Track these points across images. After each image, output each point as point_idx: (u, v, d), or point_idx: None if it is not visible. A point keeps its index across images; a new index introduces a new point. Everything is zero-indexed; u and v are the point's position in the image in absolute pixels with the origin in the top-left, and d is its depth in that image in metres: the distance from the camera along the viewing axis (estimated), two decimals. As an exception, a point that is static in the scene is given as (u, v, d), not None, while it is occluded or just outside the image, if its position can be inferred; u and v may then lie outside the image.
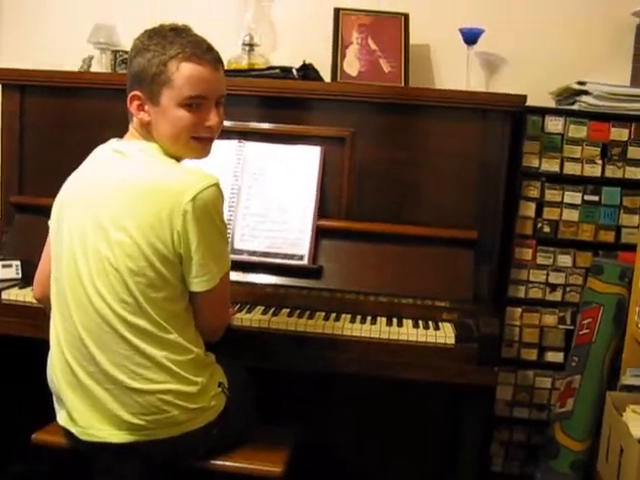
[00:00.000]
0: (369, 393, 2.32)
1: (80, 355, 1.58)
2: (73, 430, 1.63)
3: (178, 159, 1.66)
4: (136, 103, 1.61)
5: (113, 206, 1.55)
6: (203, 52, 1.61)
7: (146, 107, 1.61)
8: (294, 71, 2.26)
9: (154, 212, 1.52)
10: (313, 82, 2.33)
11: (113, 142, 1.67)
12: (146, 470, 1.68)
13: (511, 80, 2.61)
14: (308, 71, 2.30)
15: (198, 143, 1.66)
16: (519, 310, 2.42)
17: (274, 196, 2.24)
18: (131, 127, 1.67)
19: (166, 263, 1.54)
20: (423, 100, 2.25)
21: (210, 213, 1.55)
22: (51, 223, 1.69)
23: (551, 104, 2.56)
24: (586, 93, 2.35)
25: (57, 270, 1.63)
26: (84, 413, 1.59)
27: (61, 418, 1.67)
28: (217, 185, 1.57)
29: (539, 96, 2.46)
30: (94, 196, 1.58)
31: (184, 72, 1.58)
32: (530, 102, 2.24)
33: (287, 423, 2.00)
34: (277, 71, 2.25)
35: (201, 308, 1.65)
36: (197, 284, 1.59)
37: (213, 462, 1.74)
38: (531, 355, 2.44)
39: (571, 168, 2.36)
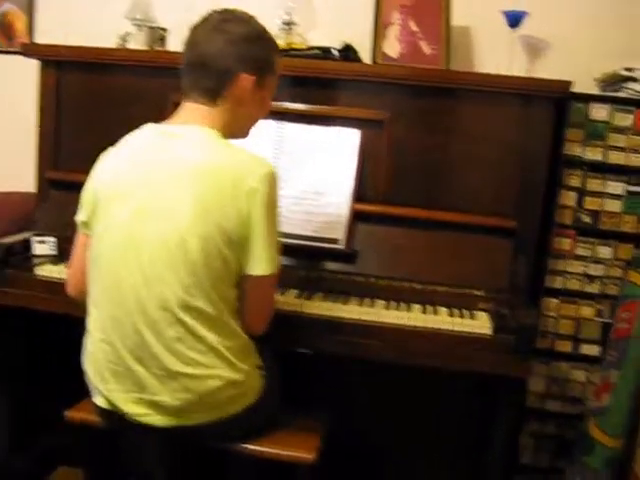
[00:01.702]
0: (399, 381, 2.29)
1: (131, 342, 1.56)
2: (111, 410, 1.63)
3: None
4: (248, 86, 1.64)
5: (179, 189, 1.52)
6: None
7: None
8: (334, 52, 2.22)
9: (222, 193, 1.52)
10: (353, 63, 2.28)
11: (156, 126, 1.64)
12: (177, 451, 1.69)
13: (555, 65, 2.53)
14: (348, 52, 2.25)
15: None
16: (555, 301, 2.38)
17: (311, 178, 2.21)
18: (185, 112, 1.64)
19: (230, 245, 1.54)
20: (464, 84, 2.20)
21: (274, 195, 1.59)
22: (87, 213, 1.65)
23: (595, 90, 2.49)
24: (633, 80, 2.29)
25: (104, 259, 1.59)
26: (127, 399, 1.59)
27: (99, 401, 1.66)
28: (275, 171, 1.62)
29: (583, 82, 2.40)
30: (153, 180, 1.55)
31: (280, 65, 1.74)
32: (574, 88, 2.17)
33: (315, 408, 2.00)
34: (317, 51, 2.21)
35: (251, 294, 1.64)
36: (257, 267, 1.58)
37: (245, 446, 1.73)
38: (565, 347, 2.39)
39: (615, 157, 2.30)
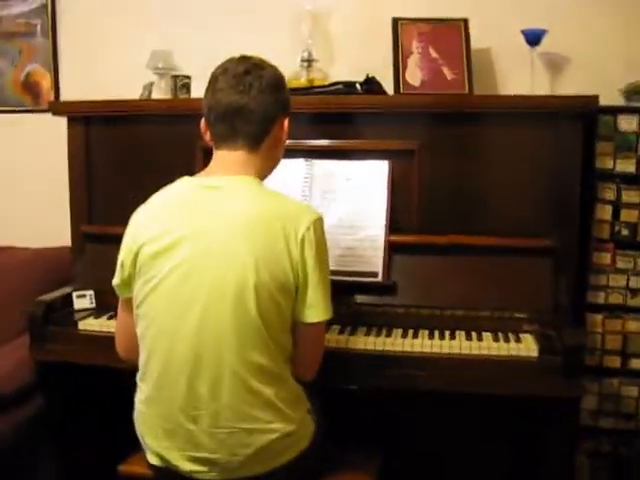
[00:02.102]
0: (442, 409, 2.26)
1: (183, 399, 1.54)
2: (165, 467, 1.62)
3: None
4: (286, 127, 1.70)
5: (229, 241, 1.52)
6: None
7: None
8: (358, 86, 2.22)
9: (272, 242, 1.52)
10: (377, 96, 2.28)
11: (192, 179, 1.64)
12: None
13: (577, 79, 2.54)
14: (372, 85, 2.26)
15: None
16: (600, 317, 2.34)
17: (344, 214, 2.21)
18: (222, 162, 1.64)
19: (284, 293, 1.54)
20: (490, 107, 2.20)
21: (324, 242, 1.60)
22: (128, 272, 1.62)
23: (621, 101, 2.47)
24: (659, 89, 2.27)
25: (154, 315, 1.57)
26: (181, 457, 1.57)
27: (153, 460, 1.65)
28: (322, 217, 1.63)
29: (608, 93, 2.37)
30: (202, 233, 1.54)
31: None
32: (599, 101, 2.16)
33: (365, 444, 1.98)
34: (340, 87, 2.22)
35: (304, 342, 1.64)
36: (311, 314, 1.59)
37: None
38: (615, 362, 2.35)
39: (647, 168, 2.28)
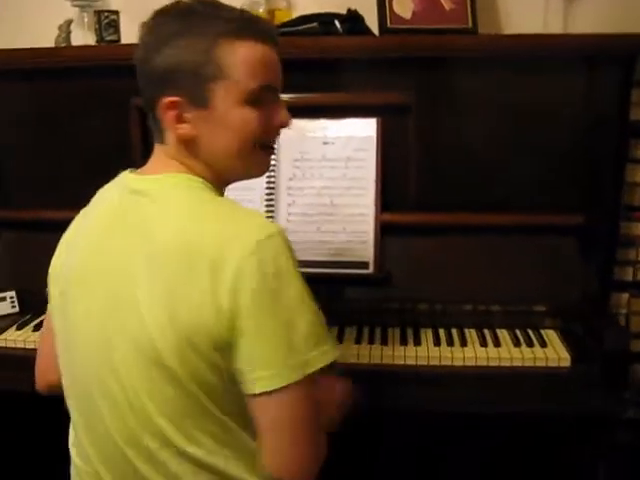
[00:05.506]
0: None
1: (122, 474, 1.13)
2: None
3: (227, 184, 1.21)
4: (172, 113, 1.10)
5: (144, 278, 1.05)
6: (261, 25, 1.15)
7: (187, 116, 1.10)
8: (337, 23, 1.72)
9: (194, 284, 1.01)
10: (364, 37, 1.79)
11: (129, 177, 1.17)
12: None
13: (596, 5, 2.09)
14: (356, 23, 1.75)
15: (264, 153, 1.20)
16: (626, 295, 2.00)
17: (323, 188, 1.78)
18: (159, 151, 1.16)
19: (219, 350, 1.04)
20: (509, 50, 1.74)
21: (270, 279, 1.02)
22: (52, 293, 1.21)
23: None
24: None
25: (71, 363, 1.16)
26: None
27: None
28: (280, 233, 1.05)
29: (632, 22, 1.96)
30: (114, 265, 1.09)
31: (242, 55, 1.10)
32: (620, 29, 1.74)
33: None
34: (315, 25, 1.71)
35: (266, 424, 1.06)
36: (253, 382, 1.04)
37: None
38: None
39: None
